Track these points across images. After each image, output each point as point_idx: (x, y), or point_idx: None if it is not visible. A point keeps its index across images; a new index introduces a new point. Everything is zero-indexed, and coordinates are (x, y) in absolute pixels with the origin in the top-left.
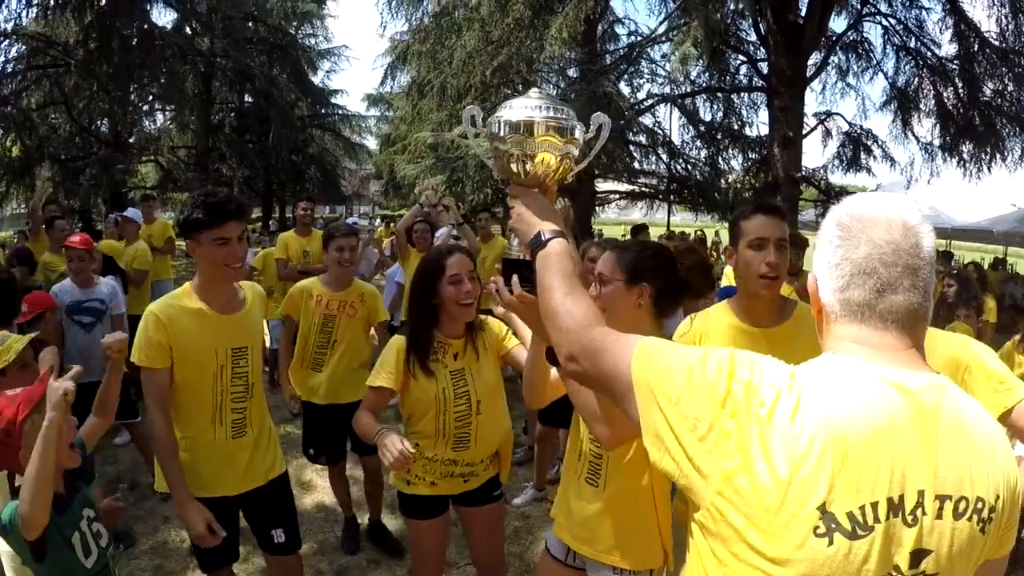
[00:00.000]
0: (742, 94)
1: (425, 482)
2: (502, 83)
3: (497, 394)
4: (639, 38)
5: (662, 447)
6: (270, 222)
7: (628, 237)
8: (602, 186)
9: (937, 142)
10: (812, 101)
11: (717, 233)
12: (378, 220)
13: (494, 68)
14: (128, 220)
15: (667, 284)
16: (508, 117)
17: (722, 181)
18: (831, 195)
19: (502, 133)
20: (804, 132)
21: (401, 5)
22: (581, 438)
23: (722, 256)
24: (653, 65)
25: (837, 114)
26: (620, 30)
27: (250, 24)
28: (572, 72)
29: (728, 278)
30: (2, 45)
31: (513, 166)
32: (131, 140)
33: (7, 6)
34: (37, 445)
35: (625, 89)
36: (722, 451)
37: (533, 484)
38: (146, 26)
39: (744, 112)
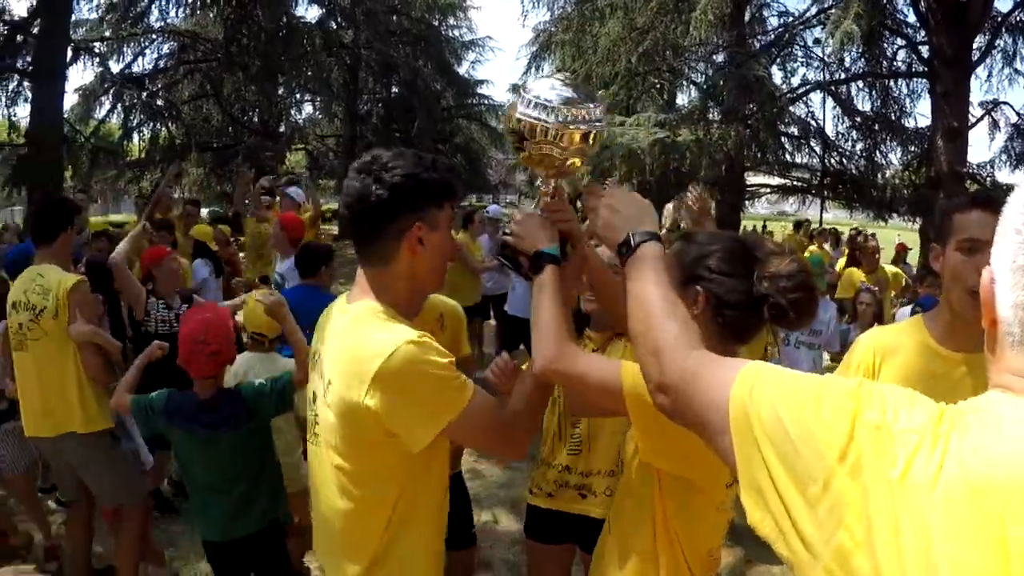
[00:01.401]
0: (900, 81)
1: (543, 493)
2: (648, 71)
3: None
4: (791, 19)
5: (764, 507)
6: None
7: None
8: (752, 179)
9: None
10: (977, 89)
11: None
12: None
13: (639, 55)
14: (287, 196)
15: (733, 293)
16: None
17: (879, 176)
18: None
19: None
20: (969, 123)
21: None
22: None
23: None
24: (806, 49)
25: (1005, 103)
26: (767, 13)
27: (393, 17)
28: (719, 58)
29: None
30: (155, 42)
31: (547, 148)
32: (280, 129)
33: (157, 7)
34: None
35: (777, 75)
36: (837, 521)
37: None
38: (291, 20)
39: (903, 101)
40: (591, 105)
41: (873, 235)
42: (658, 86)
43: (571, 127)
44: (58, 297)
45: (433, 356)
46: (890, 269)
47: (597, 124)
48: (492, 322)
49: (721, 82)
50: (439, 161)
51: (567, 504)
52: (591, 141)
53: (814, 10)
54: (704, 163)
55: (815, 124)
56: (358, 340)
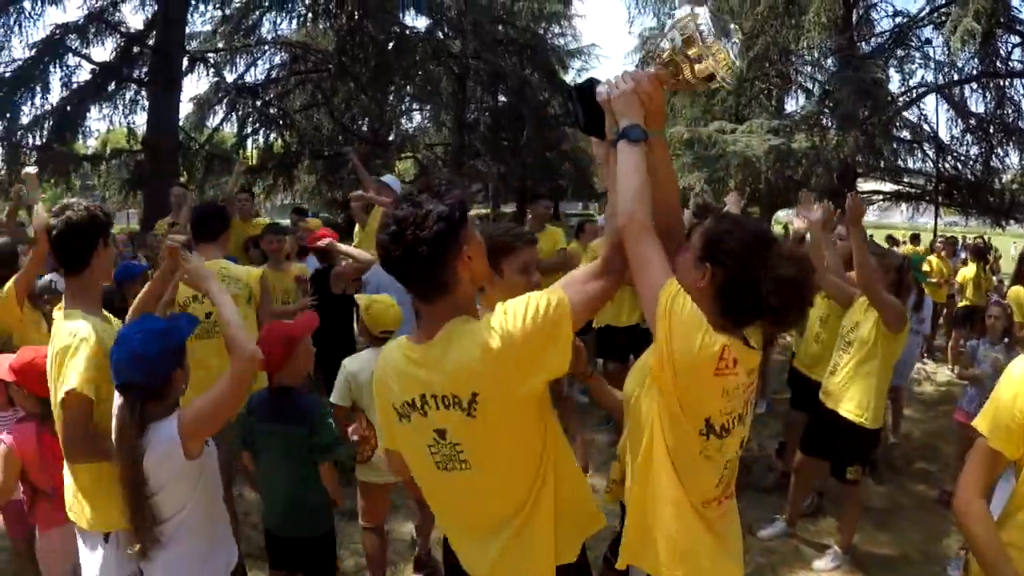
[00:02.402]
0: (1016, 81)
1: None
2: (756, 76)
3: None
4: (905, 19)
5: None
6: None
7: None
8: (863, 186)
9: None
10: None
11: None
12: None
13: (750, 60)
14: (385, 186)
15: (741, 277)
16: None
17: (996, 181)
18: None
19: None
20: None
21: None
22: None
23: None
24: (920, 50)
25: None
26: (875, 15)
27: (499, 27)
28: (828, 62)
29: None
30: (267, 53)
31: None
32: (390, 138)
33: (269, 19)
34: None
35: (895, 76)
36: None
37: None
38: (400, 31)
39: (1020, 102)
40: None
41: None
42: (766, 92)
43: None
44: (250, 284)
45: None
46: None
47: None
48: None
49: (837, 86)
50: (448, 183)
51: None
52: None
53: (927, 9)
54: (819, 170)
55: (928, 128)
56: (485, 339)
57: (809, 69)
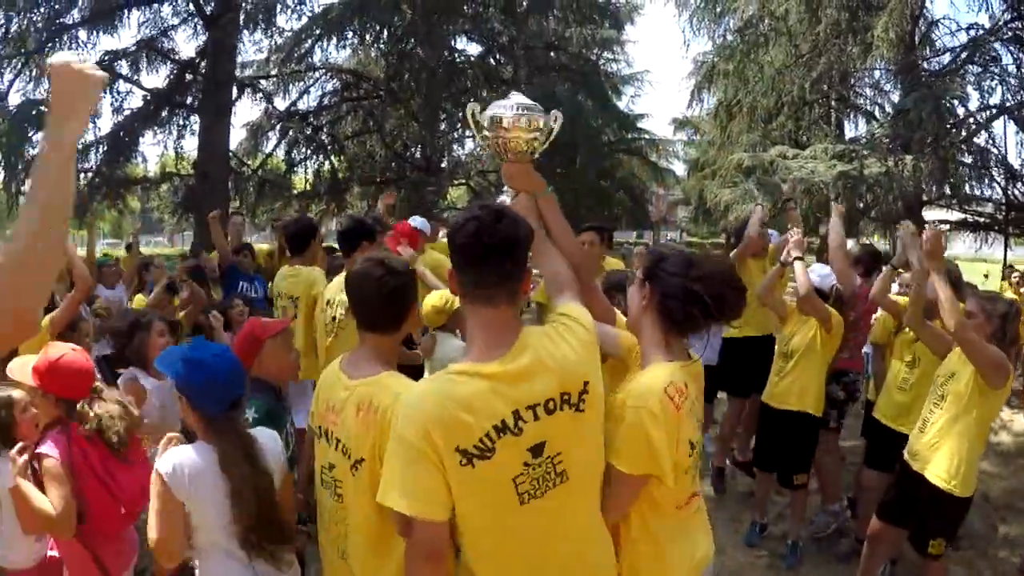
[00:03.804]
0: None
1: None
2: (816, 100)
3: None
4: (979, 31)
5: None
6: None
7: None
8: (928, 214)
9: None
10: None
11: None
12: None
13: (812, 81)
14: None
15: (674, 285)
16: (489, 113)
17: None
18: None
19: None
20: None
21: (703, 21)
22: None
23: None
24: (994, 68)
25: None
26: (936, 32)
27: (551, 53)
28: (887, 84)
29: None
30: (319, 81)
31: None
32: (442, 165)
33: (320, 47)
34: None
35: (974, 95)
36: None
37: None
38: (451, 57)
39: None
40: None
41: None
42: (825, 116)
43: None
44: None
45: None
46: None
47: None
48: None
49: (912, 106)
50: (499, 210)
51: None
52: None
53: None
54: (890, 197)
55: (996, 152)
56: (569, 332)
57: (869, 92)
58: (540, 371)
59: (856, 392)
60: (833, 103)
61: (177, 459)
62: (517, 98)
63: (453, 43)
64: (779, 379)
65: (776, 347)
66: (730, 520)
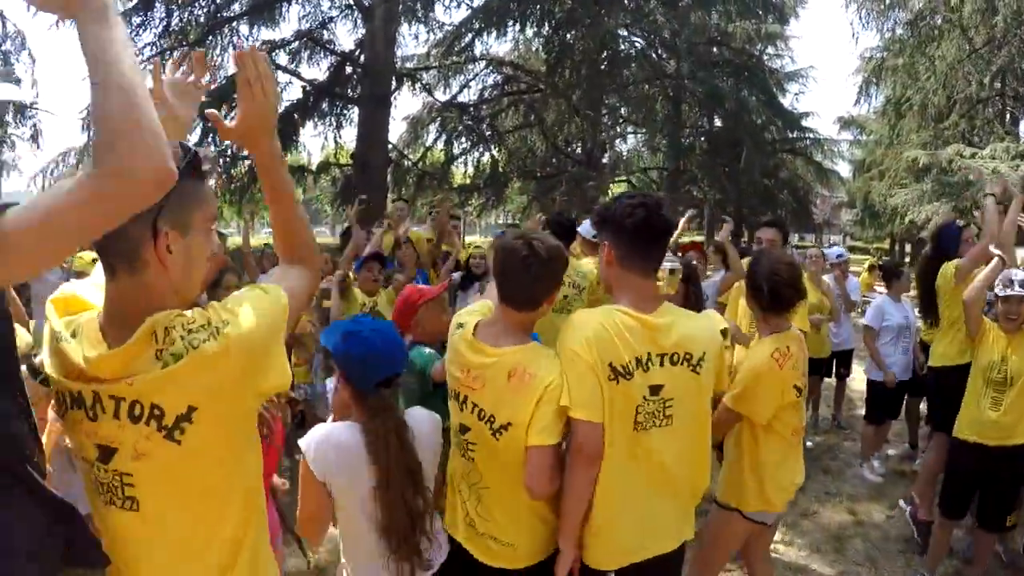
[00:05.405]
0: None
1: None
2: (991, 97)
3: None
4: None
5: None
6: (741, 244)
7: None
8: None
9: None
10: None
11: None
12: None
13: (991, 76)
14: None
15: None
16: None
17: None
18: None
19: None
20: None
21: (871, 15)
22: None
23: None
24: None
25: None
26: None
27: (714, 48)
28: None
29: None
30: (480, 73)
31: None
32: (603, 160)
33: (480, 40)
34: None
35: None
36: None
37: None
38: (613, 50)
39: None
40: None
41: None
42: (999, 113)
43: None
44: (589, 277)
45: None
46: None
47: None
48: (831, 380)
49: None
50: (660, 200)
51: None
52: None
53: None
54: None
55: None
56: (704, 318)
57: None
58: (674, 332)
59: None
60: (1009, 100)
61: (320, 437)
62: None
63: (616, 35)
64: (997, 412)
65: (975, 373)
66: None
